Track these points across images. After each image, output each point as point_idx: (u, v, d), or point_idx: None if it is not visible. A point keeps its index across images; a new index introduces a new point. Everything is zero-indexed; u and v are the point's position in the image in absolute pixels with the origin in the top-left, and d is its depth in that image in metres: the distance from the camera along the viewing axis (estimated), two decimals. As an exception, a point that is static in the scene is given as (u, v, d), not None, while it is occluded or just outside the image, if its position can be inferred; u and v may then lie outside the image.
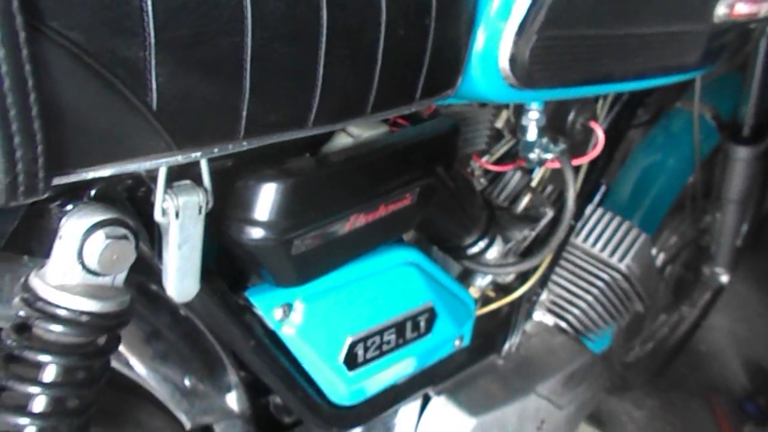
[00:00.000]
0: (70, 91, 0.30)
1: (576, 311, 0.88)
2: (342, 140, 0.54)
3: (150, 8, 0.31)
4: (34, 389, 0.37)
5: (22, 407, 0.37)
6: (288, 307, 0.54)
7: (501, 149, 0.85)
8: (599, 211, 0.91)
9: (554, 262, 0.86)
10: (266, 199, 0.45)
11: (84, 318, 0.36)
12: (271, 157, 0.47)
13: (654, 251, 1.30)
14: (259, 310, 0.53)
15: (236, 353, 0.56)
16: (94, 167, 0.33)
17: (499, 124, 0.83)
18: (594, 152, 0.79)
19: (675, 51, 0.68)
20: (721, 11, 0.68)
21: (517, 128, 0.77)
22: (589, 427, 1.47)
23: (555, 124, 0.77)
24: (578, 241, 0.89)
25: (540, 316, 0.89)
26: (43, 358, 0.36)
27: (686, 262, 1.39)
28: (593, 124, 0.79)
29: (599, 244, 0.88)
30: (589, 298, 0.87)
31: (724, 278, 1.39)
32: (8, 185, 0.29)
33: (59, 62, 0.29)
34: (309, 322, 0.56)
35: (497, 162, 0.84)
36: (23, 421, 0.37)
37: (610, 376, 1.43)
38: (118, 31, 0.30)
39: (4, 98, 0.27)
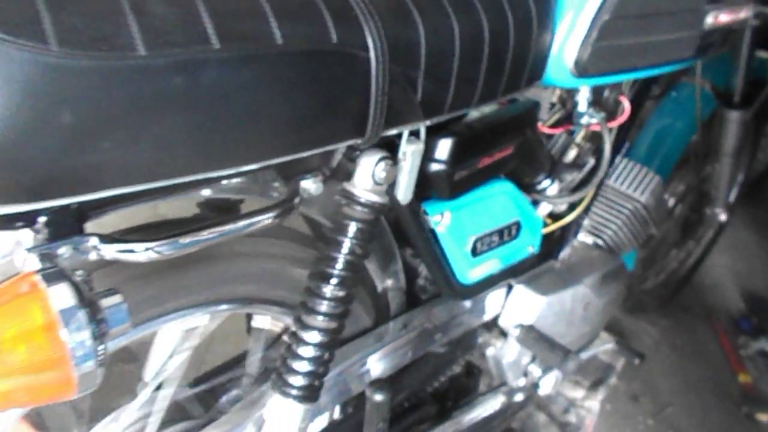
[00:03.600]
0: (396, 93, 0.64)
1: (609, 232, 1.22)
2: (474, 114, 0.89)
3: (423, 52, 0.66)
4: (344, 239, 0.73)
5: (336, 248, 0.73)
6: (442, 215, 0.90)
7: (553, 117, 1.19)
8: (625, 160, 1.26)
9: (594, 197, 1.21)
10: (444, 147, 0.81)
11: (376, 205, 0.72)
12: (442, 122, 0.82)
13: (666, 196, 1.64)
14: (427, 215, 0.89)
15: (412, 242, 0.91)
16: (392, 129, 0.68)
17: (554, 99, 1.17)
18: (622, 118, 1.13)
19: (679, 49, 1.01)
20: (709, 21, 1.01)
21: (567, 102, 1.11)
22: (609, 343, 1.82)
23: (596, 98, 1.11)
24: (610, 181, 1.24)
25: (583, 236, 1.24)
26: (349, 223, 0.72)
27: (691, 205, 1.72)
28: (622, 98, 1.13)
29: (625, 184, 1.23)
30: (618, 222, 1.22)
31: (723, 217, 1.72)
32: (370, 135, 0.64)
33: (393, 80, 0.64)
34: (452, 224, 0.91)
35: (551, 126, 1.18)
36: (337, 254, 0.73)
37: (631, 297, 1.79)
38: (411, 65, 0.65)
39: (376, 101, 0.62)
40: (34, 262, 0.50)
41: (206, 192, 0.76)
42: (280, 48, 0.54)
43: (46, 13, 0.43)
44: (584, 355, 1.23)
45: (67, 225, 0.53)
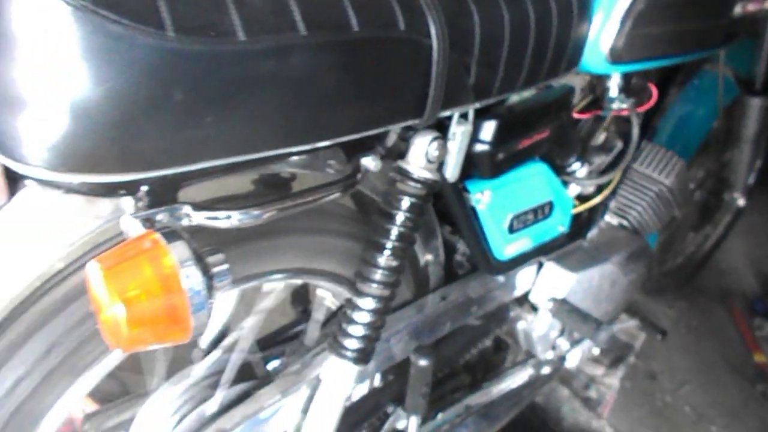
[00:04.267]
0: (452, 77, 0.70)
1: (634, 213, 1.28)
2: (514, 98, 0.94)
3: (477, 39, 0.71)
4: (398, 213, 0.78)
5: (390, 221, 0.78)
6: (482, 193, 0.96)
7: (582, 102, 1.23)
8: (650, 144, 1.31)
9: (621, 179, 1.26)
10: (489, 129, 0.86)
11: (428, 181, 0.77)
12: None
13: (685, 180, 1.68)
14: (469, 193, 0.94)
15: (452, 219, 0.97)
16: (446, 110, 0.73)
17: (584, 85, 1.22)
18: (650, 103, 1.18)
19: (708, 37, 1.05)
20: (737, 10, 1.06)
21: (597, 88, 1.16)
22: (632, 320, 1.88)
23: (626, 84, 1.16)
24: (636, 164, 1.29)
25: (609, 217, 1.29)
26: (403, 198, 0.78)
27: (711, 190, 1.77)
28: (650, 84, 1.18)
29: (651, 167, 1.28)
30: (644, 203, 1.27)
31: (741, 202, 1.77)
32: (428, 116, 0.70)
33: (451, 65, 0.69)
34: (491, 202, 0.97)
35: (580, 111, 1.23)
36: (391, 227, 0.78)
37: (650, 279, 1.84)
38: (466, 52, 0.70)
39: (436, 84, 0.67)
40: (137, 227, 0.56)
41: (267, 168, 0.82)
42: (357, 35, 0.59)
43: (163, 1, 0.49)
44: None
45: (164, 193, 0.59)
